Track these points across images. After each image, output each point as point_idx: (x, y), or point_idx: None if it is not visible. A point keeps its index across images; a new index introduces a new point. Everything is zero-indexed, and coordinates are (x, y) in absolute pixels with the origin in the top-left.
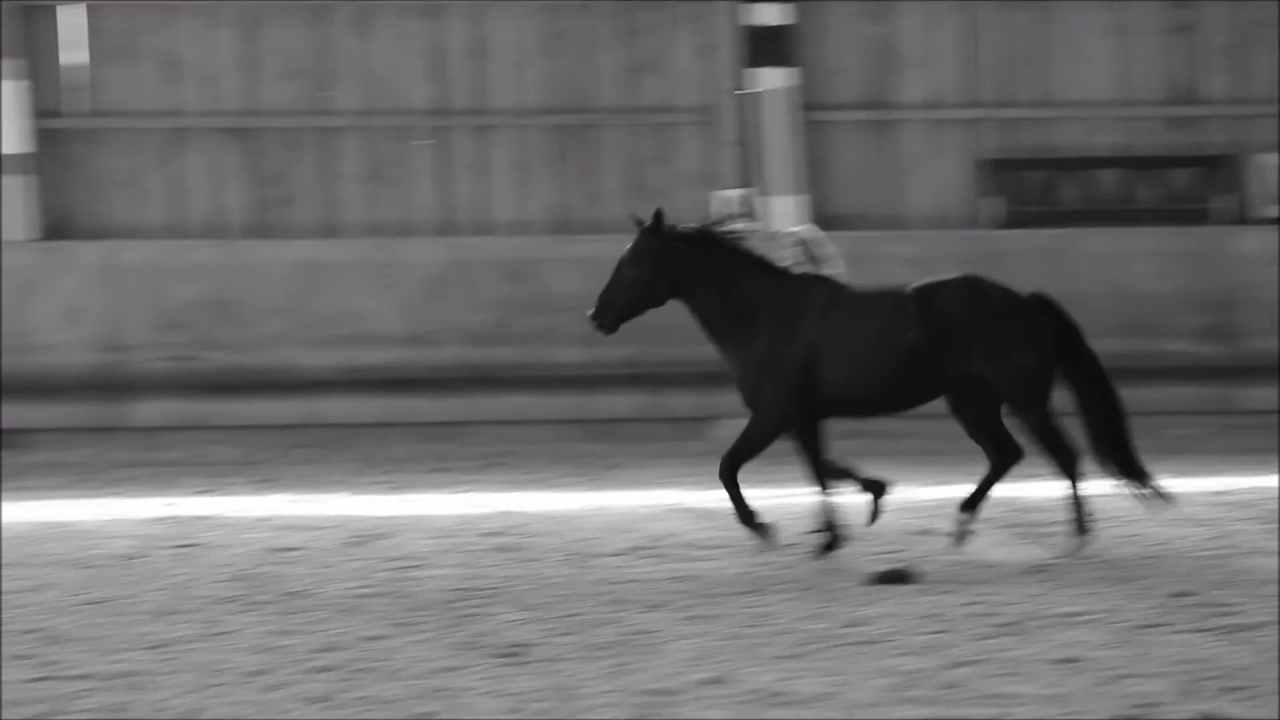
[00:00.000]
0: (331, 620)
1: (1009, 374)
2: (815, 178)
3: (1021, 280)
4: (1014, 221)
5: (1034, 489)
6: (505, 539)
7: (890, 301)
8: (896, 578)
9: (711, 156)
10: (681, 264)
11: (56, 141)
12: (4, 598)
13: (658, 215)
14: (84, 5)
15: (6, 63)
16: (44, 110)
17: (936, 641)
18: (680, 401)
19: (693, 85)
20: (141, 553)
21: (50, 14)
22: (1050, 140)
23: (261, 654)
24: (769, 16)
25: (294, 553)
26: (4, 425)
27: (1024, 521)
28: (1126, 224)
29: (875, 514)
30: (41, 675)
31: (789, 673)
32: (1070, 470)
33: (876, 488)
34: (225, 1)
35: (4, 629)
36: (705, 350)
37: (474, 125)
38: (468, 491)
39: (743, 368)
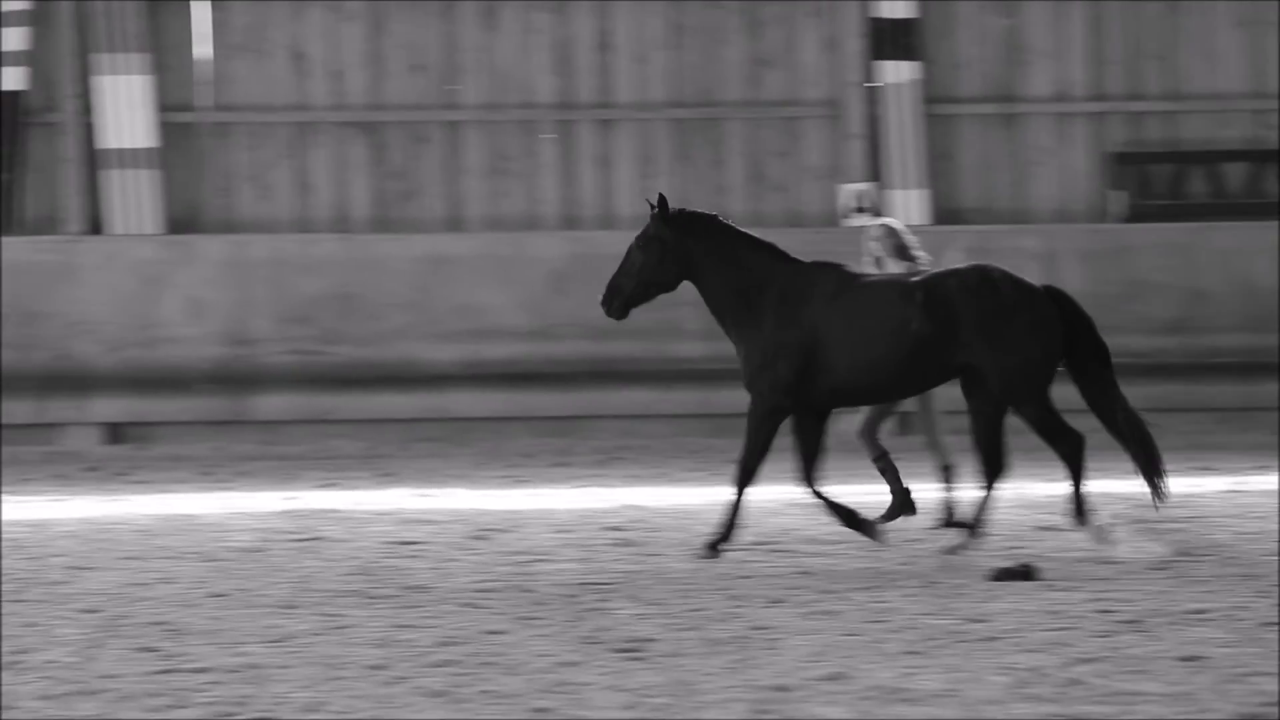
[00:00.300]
0: (452, 614)
1: (1007, 367)
2: (939, 171)
3: (1148, 274)
4: (1140, 215)
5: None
6: (626, 533)
7: (897, 290)
8: (1018, 574)
9: (836, 150)
10: (689, 249)
11: (183, 135)
12: (128, 590)
13: (663, 201)
14: (209, 0)
15: (134, 57)
16: (170, 104)
17: (1058, 638)
18: None
19: (818, 78)
20: (264, 546)
21: (174, 8)
22: (1177, 133)
23: (382, 648)
24: (895, 10)
25: (415, 546)
26: (129, 418)
27: (1146, 518)
28: (1254, 217)
29: (890, 517)
30: (164, 668)
31: (909, 669)
32: (1073, 463)
33: (905, 502)
34: None
35: (129, 621)
36: None
37: (598, 119)
38: (589, 486)
39: (747, 353)
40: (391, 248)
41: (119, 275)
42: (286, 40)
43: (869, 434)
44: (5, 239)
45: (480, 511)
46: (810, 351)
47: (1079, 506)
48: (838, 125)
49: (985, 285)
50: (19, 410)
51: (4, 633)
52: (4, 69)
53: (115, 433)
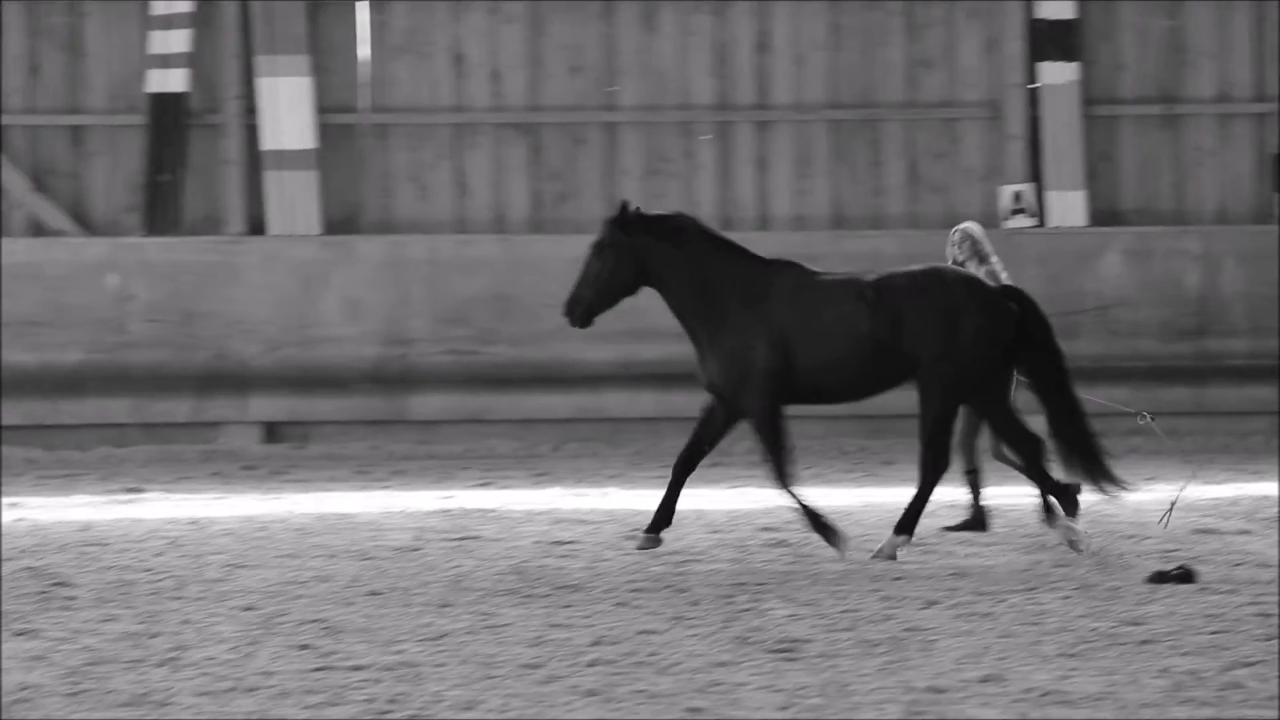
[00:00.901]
0: (606, 614)
1: (953, 366)
2: (1099, 172)
3: None
4: None
5: None
6: (781, 534)
7: (850, 289)
8: (1175, 577)
9: (995, 151)
10: (647, 255)
11: (343, 137)
12: (286, 588)
13: (622, 207)
14: (369, 2)
15: (296, 59)
16: (331, 106)
17: (1216, 641)
18: None
19: (977, 80)
20: (419, 545)
21: (336, 10)
22: None
23: (536, 647)
24: (1056, 11)
25: (569, 546)
26: (287, 417)
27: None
28: None
29: (961, 528)
30: (320, 666)
31: (1065, 672)
32: (928, 473)
33: (978, 518)
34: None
35: (287, 618)
36: None
37: (756, 120)
38: (743, 486)
39: (718, 358)
40: (548, 248)
41: (278, 275)
42: (446, 42)
43: (966, 445)
44: (167, 239)
45: (634, 511)
46: (780, 348)
47: (1047, 507)
48: (997, 126)
49: (935, 284)
50: (179, 409)
51: (163, 629)
52: (168, 71)
53: (273, 432)
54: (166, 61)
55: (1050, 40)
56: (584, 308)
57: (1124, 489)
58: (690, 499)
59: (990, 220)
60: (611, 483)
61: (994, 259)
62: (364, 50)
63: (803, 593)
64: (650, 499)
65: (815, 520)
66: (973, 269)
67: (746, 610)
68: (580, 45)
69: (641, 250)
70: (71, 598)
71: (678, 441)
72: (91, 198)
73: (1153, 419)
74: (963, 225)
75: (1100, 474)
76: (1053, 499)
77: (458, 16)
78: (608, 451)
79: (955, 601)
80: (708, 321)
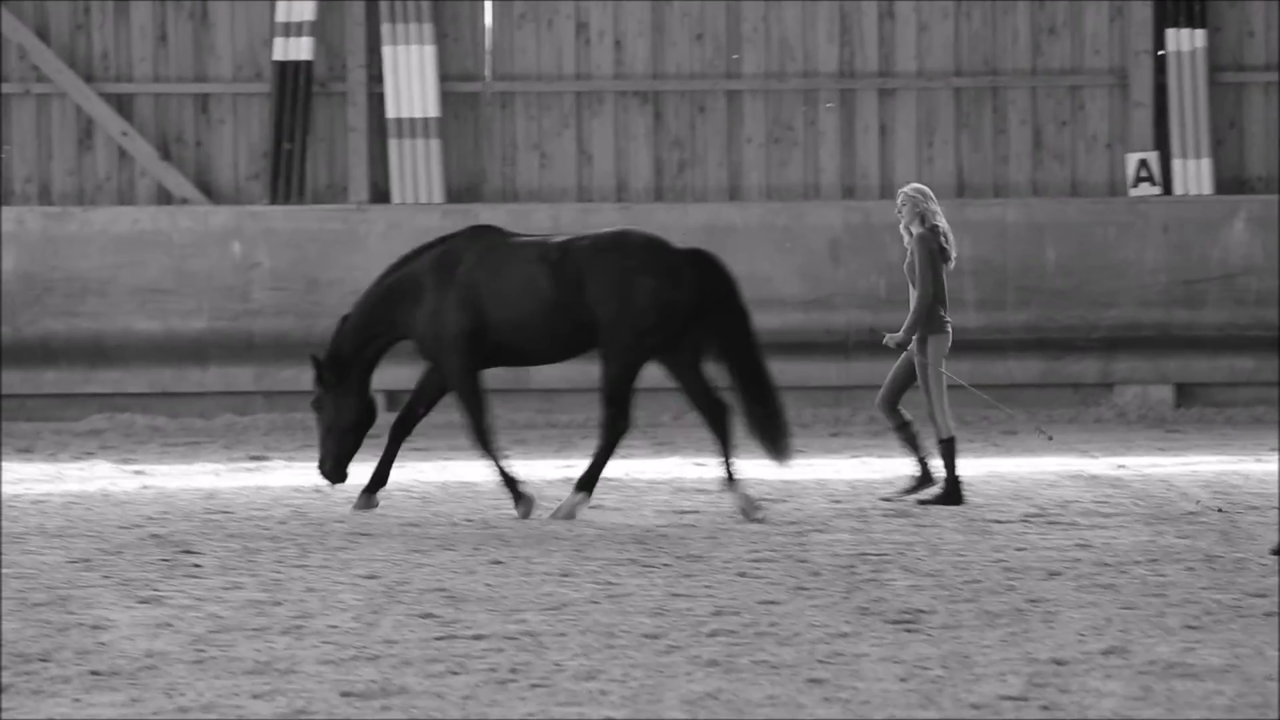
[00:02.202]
0: (727, 584)
1: (611, 323)
2: (1225, 140)
3: None
4: None
5: None
6: (901, 504)
7: (535, 250)
8: None
9: (1121, 119)
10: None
11: (466, 105)
12: (408, 557)
13: (315, 362)
14: None
15: (420, 27)
16: (454, 74)
17: None
18: (1082, 367)
19: (1103, 46)
20: (541, 513)
21: None
22: None
23: (657, 616)
24: None
25: (691, 515)
26: (407, 386)
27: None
28: None
29: (913, 489)
30: (442, 634)
31: (1189, 644)
32: (611, 434)
33: (925, 474)
34: None
35: (409, 587)
36: (1108, 315)
37: (879, 88)
38: (865, 456)
39: (419, 322)
40: (670, 217)
41: (402, 244)
42: (570, 10)
43: (887, 404)
44: (292, 208)
45: (756, 481)
46: (474, 311)
47: (729, 473)
48: (1122, 94)
49: (615, 246)
50: (302, 377)
51: (287, 597)
52: (292, 39)
53: (395, 399)
54: (292, 30)
55: (1177, 6)
56: (332, 463)
57: (797, 457)
58: (813, 469)
59: (1116, 188)
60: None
61: (939, 220)
62: (488, 18)
63: (924, 563)
64: (770, 469)
65: (509, 482)
66: (915, 230)
67: (868, 581)
68: (703, 13)
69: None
70: (197, 565)
71: (800, 410)
72: (217, 166)
73: (1050, 437)
74: (905, 187)
75: (778, 441)
76: (733, 463)
77: None
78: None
79: (1078, 573)
80: (418, 296)
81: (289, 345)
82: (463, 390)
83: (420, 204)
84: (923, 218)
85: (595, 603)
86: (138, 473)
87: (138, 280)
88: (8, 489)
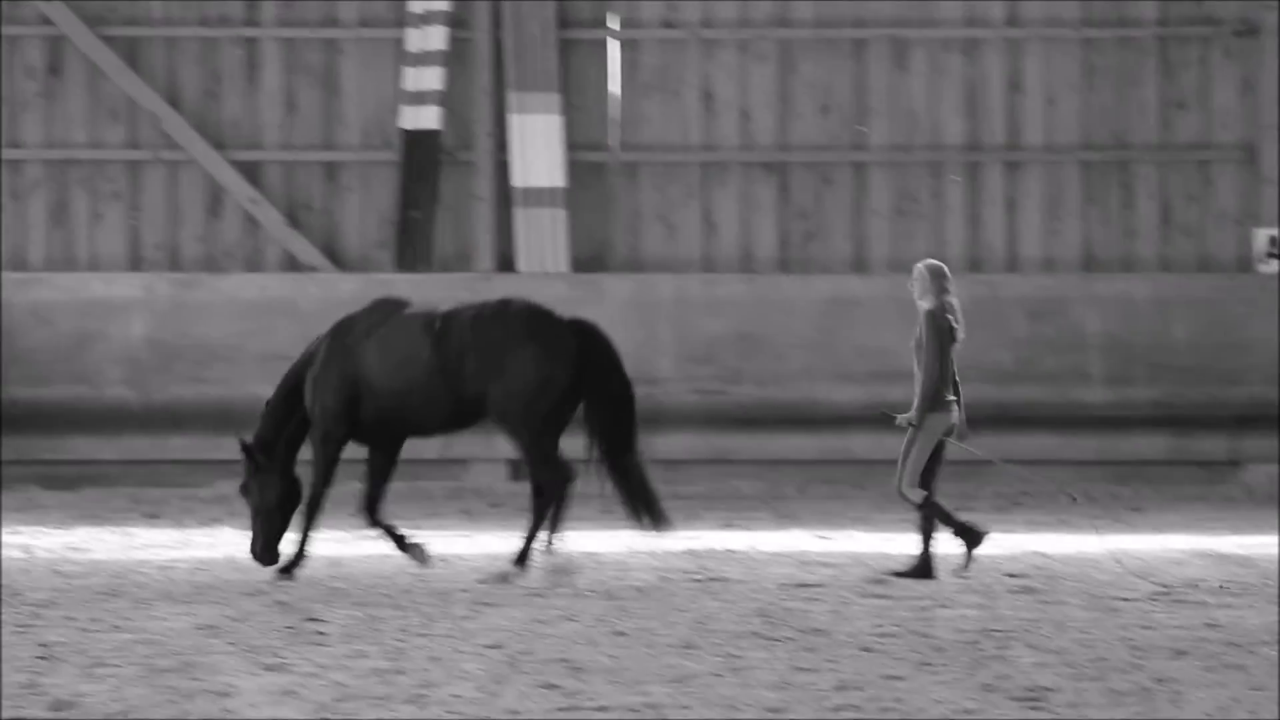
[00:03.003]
0: (851, 658)
1: (499, 397)
2: None
3: None
4: None
5: None
6: (1027, 580)
7: (421, 321)
8: None
9: (1250, 194)
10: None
11: (592, 174)
12: (531, 626)
13: (243, 446)
14: (620, 40)
15: (547, 96)
16: (580, 143)
17: None
18: (1210, 444)
19: (1232, 121)
20: (664, 585)
21: (587, 48)
22: None
23: (781, 690)
24: None
25: (814, 589)
26: None
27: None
28: None
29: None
30: (565, 705)
31: None
32: (547, 498)
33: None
34: (763, 36)
35: (532, 657)
36: (1236, 393)
37: (1006, 160)
38: (990, 531)
39: (307, 392)
40: (795, 288)
41: None
42: (696, 80)
43: (911, 484)
44: (418, 275)
45: (881, 555)
46: (353, 380)
47: (527, 548)
48: (1252, 169)
49: (498, 316)
50: (428, 446)
51: (410, 666)
52: (421, 108)
53: (520, 469)
54: (420, 98)
55: None
56: (262, 544)
57: (668, 527)
58: (935, 544)
59: (1244, 264)
60: (857, 525)
61: (950, 298)
62: (614, 88)
63: (1050, 640)
64: (897, 542)
65: (298, 556)
66: (925, 305)
67: (993, 657)
68: (830, 84)
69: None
70: (321, 633)
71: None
72: (344, 233)
73: (1075, 499)
74: (920, 263)
75: (648, 510)
76: (547, 541)
77: (709, 54)
78: (853, 493)
79: (1205, 653)
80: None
81: None
82: (321, 454)
83: (546, 273)
84: (932, 295)
85: (718, 675)
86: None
87: (265, 347)
88: (135, 554)
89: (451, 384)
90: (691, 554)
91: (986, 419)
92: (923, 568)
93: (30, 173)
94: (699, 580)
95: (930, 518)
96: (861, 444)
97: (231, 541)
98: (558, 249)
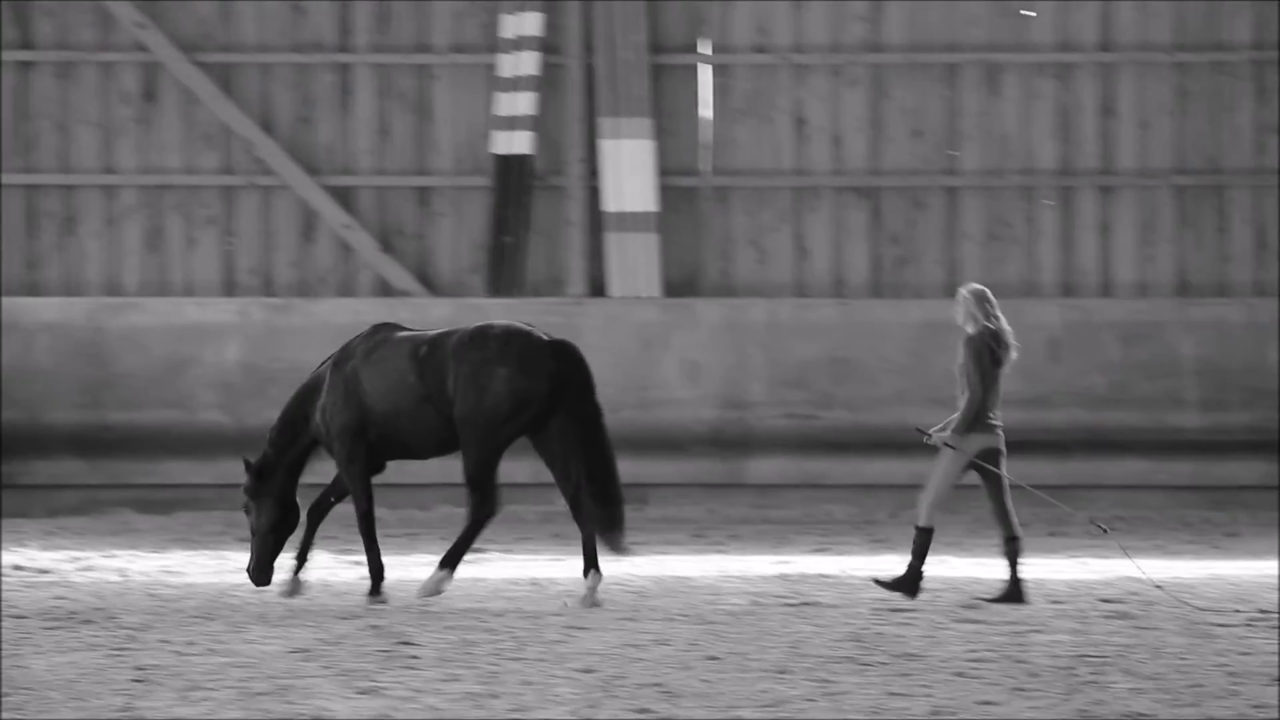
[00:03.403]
0: (944, 684)
1: (469, 410)
2: None
3: None
4: None
5: None
6: (1122, 606)
7: (409, 346)
8: None
9: None
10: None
11: (684, 199)
12: (624, 651)
13: (247, 466)
14: (711, 64)
15: (639, 121)
16: (672, 168)
17: None
18: None
19: None
20: (756, 610)
21: (679, 73)
22: None
23: (874, 715)
24: None
25: (907, 614)
26: (625, 479)
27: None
28: None
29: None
30: None
31: None
32: (475, 518)
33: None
34: (854, 61)
35: (625, 681)
36: None
37: (1099, 185)
38: (1084, 557)
39: (315, 417)
40: (887, 313)
41: (619, 337)
42: (788, 105)
43: (1001, 517)
44: (510, 300)
45: (973, 580)
46: (358, 403)
47: (454, 561)
48: None
49: (476, 339)
50: (520, 469)
51: (504, 690)
52: (513, 133)
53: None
54: (512, 123)
55: None
56: (255, 565)
57: (631, 550)
58: (1029, 569)
59: None
60: (949, 550)
61: (997, 322)
62: (706, 112)
63: (1145, 666)
64: (990, 567)
65: (375, 569)
66: (969, 329)
67: (1088, 683)
68: (922, 109)
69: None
70: (415, 656)
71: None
72: (437, 258)
73: (1106, 530)
74: (963, 287)
75: (617, 532)
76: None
77: (800, 79)
78: (945, 518)
79: None
80: (320, 392)
81: None
82: (348, 477)
83: (638, 298)
84: (975, 320)
85: (811, 700)
86: (356, 563)
87: None
88: (229, 578)
89: (437, 407)
90: (784, 579)
91: (1079, 444)
92: (1013, 592)
93: (125, 198)
94: (792, 605)
95: (926, 539)
96: None
97: (324, 565)
98: (649, 273)
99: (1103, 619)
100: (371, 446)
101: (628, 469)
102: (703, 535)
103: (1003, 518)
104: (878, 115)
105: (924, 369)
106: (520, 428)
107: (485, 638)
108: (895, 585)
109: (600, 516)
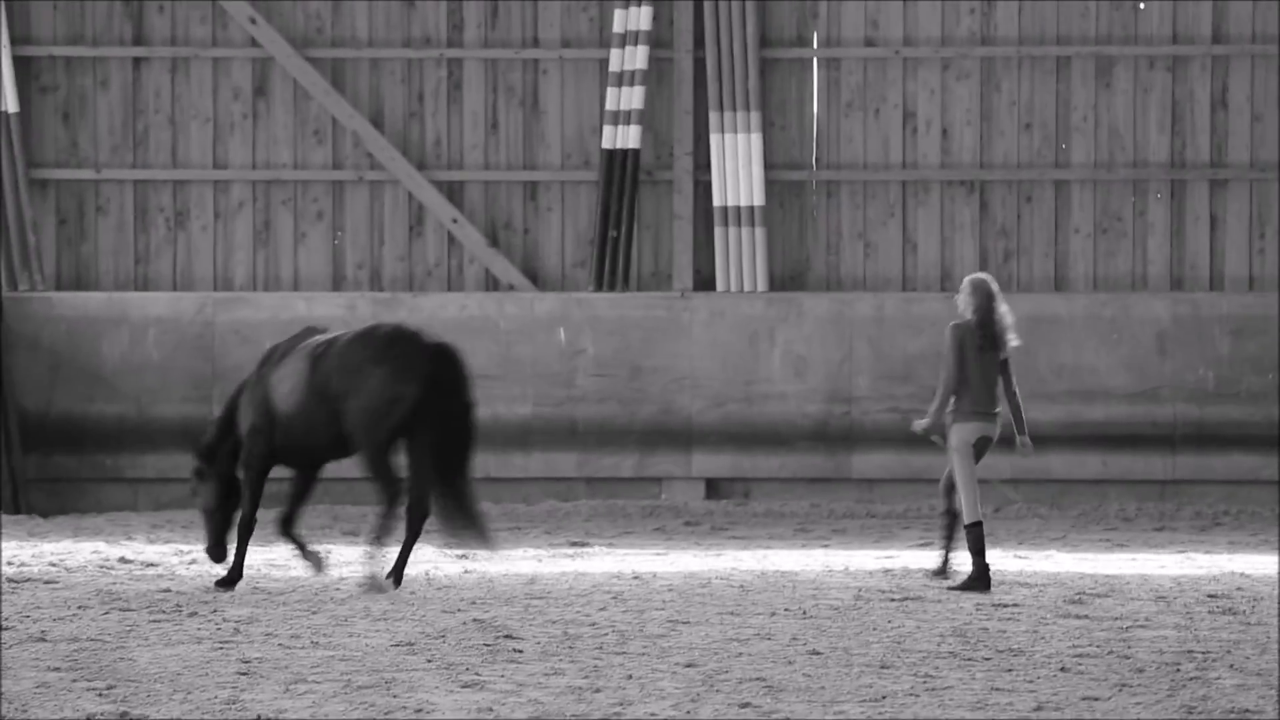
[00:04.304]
0: (1049, 679)
1: (352, 411)
2: None
3: None
4: None
5: None
6: (1228, 601)
7: (310, 348)
8: None
9: None
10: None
11: (791, 193)
12: (727, 645)
13: (195, 454)
14: (820, 58)
15: (748, 115)
16: (780, 162)
17: None
18: None
19: None
20: (860, 604)
21: (788, 67)
22: None
23: (978, 711)
24: None
25: (1012, 609)
26: (729, 474)
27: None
28: None
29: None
30: None
31: None
32: (386, 510)
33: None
34: (965, 54)
35: (728, 676)
36: None
37: (1210, 178)
38: (1190, 552)
39: (240, 416)
40: None
41: (725, 331)
42: (896, 98)
43: (946, 489)
44: (617, 295)
45: (1078, 575)
46: (266, 406)
47: (376, 543)
48: None
49: (361, 339)
50: (624, 464)
51: (606, 684)
52: (621, 127)
53: (715, 488)
54: (621, 118)
55: None
56: (209, 542)
57: (493, 549)
58: (1135, 564)
59: None
60: (1054, 545)
61: (995, 311)
62: (815, 106)
63: (1252, 662)
64: (1094, 562)
65: (302, 549)
66: (970, 316)
67: (1193, 679)
68: (1032, 101)
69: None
70: (518, 650)
71: (1124, 504)
72: (544, 253)
73: (1016, 499)
74: (975, 275)
75: (471, 531)
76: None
77: (910, 73)
78: (1051, 513)
79: None
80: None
81: (611, 432)
82: (245, 478)
83: (744, 292)
84: (976, 309)
85: (915, 696)
86: (460, 557)
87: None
88: (334, 571)
89: (327, 407)
90: (888, 573)
91: (1187, 439)
92: (980, 578)
93: (236, 193)
94: (895, 600)
95: (978, 534)
96: (1059, 463)
97: (428, 559)
98: (756, 267)
99: (1209, 614)
100: (276, 450)
101: (733, 462)
102: (807, 530)
103: (963, 504)
104: (987, 108)
105: (1031, 363)
106: (396, 426)
107: (588, 632)
108: (967, 585)
109: (453, 521)
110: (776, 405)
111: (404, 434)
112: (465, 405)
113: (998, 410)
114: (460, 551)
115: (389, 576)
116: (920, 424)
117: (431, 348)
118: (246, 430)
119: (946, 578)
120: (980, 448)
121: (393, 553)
